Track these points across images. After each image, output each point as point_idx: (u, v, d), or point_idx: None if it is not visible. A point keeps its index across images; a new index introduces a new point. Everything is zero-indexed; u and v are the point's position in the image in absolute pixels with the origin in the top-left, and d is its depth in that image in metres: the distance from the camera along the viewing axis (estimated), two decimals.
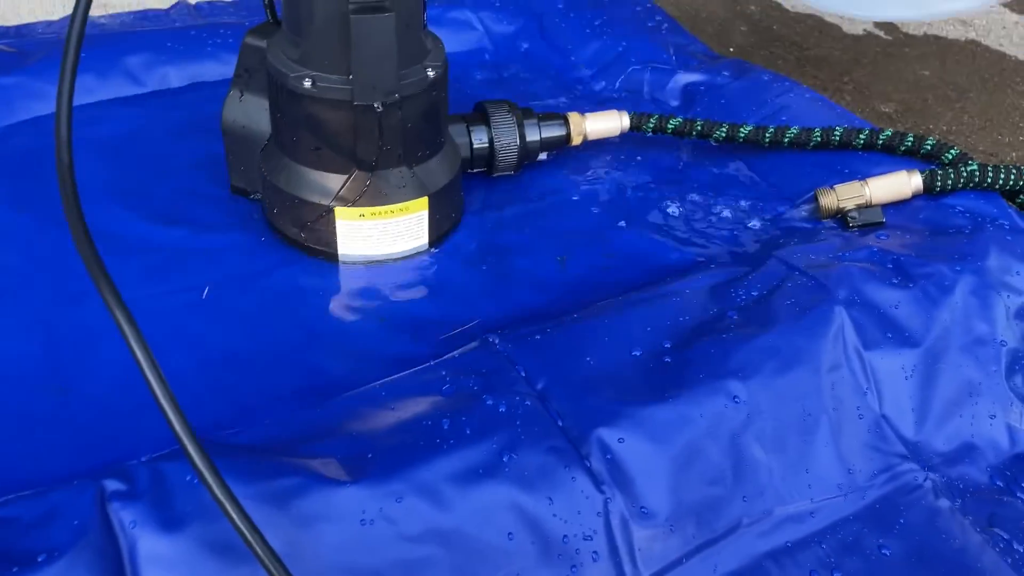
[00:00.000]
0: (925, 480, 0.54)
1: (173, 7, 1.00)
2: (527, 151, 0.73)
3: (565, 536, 0.44)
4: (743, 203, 0.73)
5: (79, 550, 0.38)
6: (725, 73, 0.88)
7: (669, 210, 0.73)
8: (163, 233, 0.65)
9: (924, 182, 0.69)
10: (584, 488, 0.46)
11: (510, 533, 0.44)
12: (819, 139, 0.75)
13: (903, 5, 0.98)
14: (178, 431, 0.37)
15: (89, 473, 0.43)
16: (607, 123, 0.76)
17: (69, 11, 1.04)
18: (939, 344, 0.59)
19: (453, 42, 0.86)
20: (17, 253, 0.62)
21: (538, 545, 0.44)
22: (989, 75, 1.12)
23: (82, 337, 0.55)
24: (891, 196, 0.69)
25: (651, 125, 0.77)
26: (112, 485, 0.41)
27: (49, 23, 0.96)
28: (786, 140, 0.75)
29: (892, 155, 0.74)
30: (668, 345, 0.54)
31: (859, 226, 0.68)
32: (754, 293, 0.59)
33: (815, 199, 0.71)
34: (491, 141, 0.71)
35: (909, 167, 0.70)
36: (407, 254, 0.64)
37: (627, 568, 0.45)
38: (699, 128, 0.77)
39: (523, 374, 0.51)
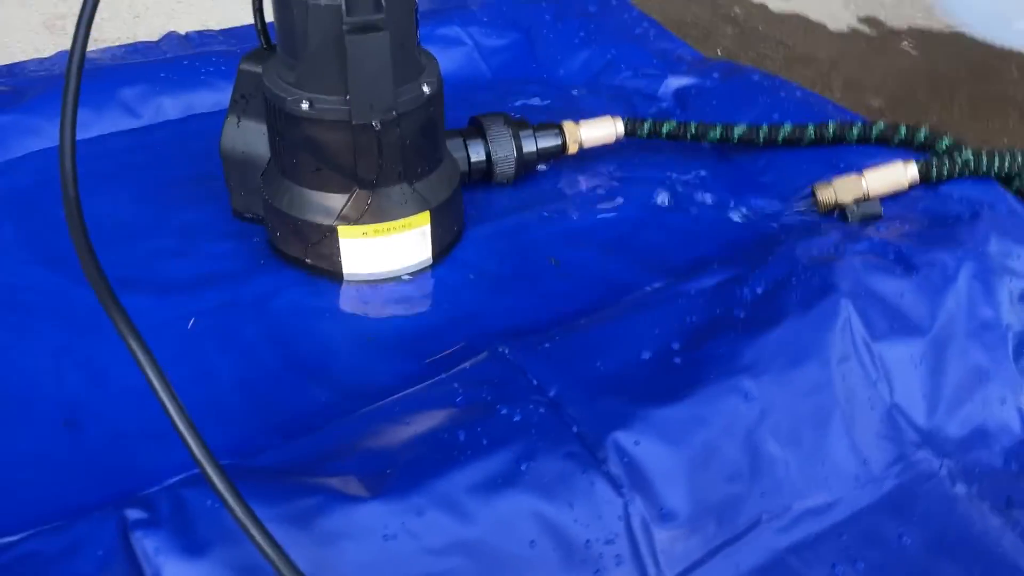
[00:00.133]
0: (940, 467, 0.54)
1: (163, 38, 1.01)
2: (524, 162, 0.73)
3: (587, 541, 0.44)
4: (741, 202, 0.74)
5: None
6: (715, 75, 0.89)
7: (667, 213, 0.73)
8: (166, 262, 0.65)
9: (920, 171, 0.69)
10: (603, 492, 0.46)
11: (532, 541, 0.44)
12: (813, 135, 0.75)
13: None
14: (198, 456, 0.37)
15: (104, 505, 0.43)
16: (602, 130, 0.77)
17: (60, 48, 1.05)
18: (945, 331, 0.59)
19: (444, 58, 0.86)
20: (25, 289, 0.62)
21: (561, 551, 0.44)
22: (975, 65, 1.13)
23: (88, 369, 0.55)
24: (888, 187, 0.70)
25: (645, 130, 0.78)
26: (134, 514, 0.41)
27: (41, 61, 0.96)
28: (780, 138, 0.76)
29: (887, 147, 0.75)
30: (677, 346, 0.55)
31: (858, 219, 0.69)
32: (759, 290, 0.59)
33: (812, 194, 0.71)
34: (488, 155, 0.71)
35: (904, 158, 0.71)
36: (411, 270, 0.64)
37: (651, 570, 0.45)
38: (693, 130, 0.77)
39: (535, 382, 0.51)
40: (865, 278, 0.60)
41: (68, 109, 0.44)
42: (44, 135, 0.76)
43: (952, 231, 0.65)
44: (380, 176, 0.59)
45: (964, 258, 0.62)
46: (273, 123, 0.61)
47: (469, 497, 0.43)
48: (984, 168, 0.69)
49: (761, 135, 0.76)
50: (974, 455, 0.56)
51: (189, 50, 0.96)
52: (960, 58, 1.13)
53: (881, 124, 0.75)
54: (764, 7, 1.25)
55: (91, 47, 1.14)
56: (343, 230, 0.60)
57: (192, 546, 0.40)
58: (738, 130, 0.77)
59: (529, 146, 0.73)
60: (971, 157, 0.69)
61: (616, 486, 0.46)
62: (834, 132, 0.75)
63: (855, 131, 0.74)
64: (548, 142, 0.74)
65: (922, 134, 0.73)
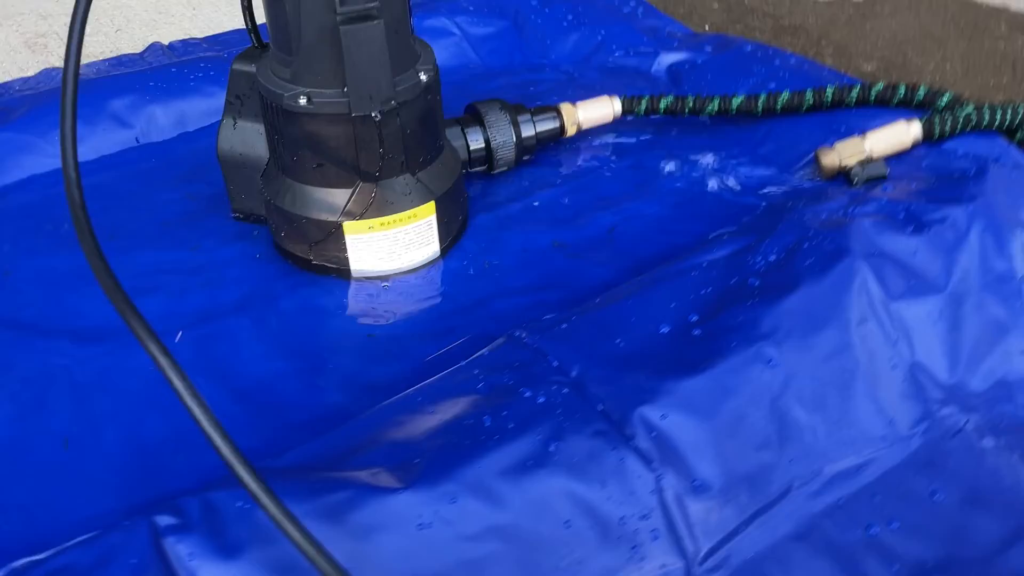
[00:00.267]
0: (966, 422, 0.54)
1: (146, 50, 1.00)
2: (524, 147, 0.73)
3: (622, 518, 0.44)
4: (744, 172, 0.73)
5: None
6: (707, 49, 0.89)
7: (672, 187, 0.72)
8: (171, 268, 0.64)
9: (923, 129, 0.69)
10: (634, 468, 0.45)
11: (567, 521, 0.43)
12: (812, 101, 0.75)
13: None
14: (228, 457, 0.37)
15: (130, 513, 0.42)
16: (600, 110, 0.76)
17: (44, 66, 1.04)
18: (961, 287, 0.59)
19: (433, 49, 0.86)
20: (28, 306, 0.61)
21: (596, 530, 0.43)
22: (964, 23, 1.12)
23: (90, 381, 0.55)
24: (892, 147, 0.69)
25: (643, 107, 0.77)
26: (164, 520, 0.40)
27: (25, 80, 0.95)
28: (779, 106, 0.76)
29: (886, 107, 0.74)
30: (695, 318, 0.54)
31: (863, 181, 0.68)
32: (772, 258, 0.59)
33: (816, 160, 0.71)
34: (487, 141, 0.71)
35: (906, 117, 0.70)
36: (420, 265, 0.63)
37: (687, 543, 0.45)
38: (691, 105, 0.77)
39: (555, 364, 0.51)
40: (877, 239, 0.59)
41: (67, 116, 0.43)
42: (38, 151, 0.75)
43: (960, 187, 0.65)
44: (383, 168, 0.59)
45: (974, 213, 0.62)
46: (271, 121, 0.60)
47: (501, 481, 0.43)
48: (986, 122, 0.69)
49: (759, 104, 0.76)
50: (999, 408, 0.56)
51: (173, 59, 0.95)
52: (949, 18, 1.13)
53: (879, 85, 0.74)
54: None
55: None
56: (348, 226, 0.60)
57: (226, 548, 0.39)
58: (736, 101, 0.76)
59: (528, 130, 0.73)
60: (973, 112, 0.69)
61: (646, 461, 0.46)
62: (832, 96, 0.74)
63: (854, 94, 0.74)
64: (546, 125, 0.74)
65: (921, 92, 0.73)
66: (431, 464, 0.43)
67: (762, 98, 0.76)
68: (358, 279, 0.62)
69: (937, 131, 0.69)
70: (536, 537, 0.42)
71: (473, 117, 0.71)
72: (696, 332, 0.53)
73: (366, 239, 0.60)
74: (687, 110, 0.77)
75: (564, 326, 0.54)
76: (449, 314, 0.60)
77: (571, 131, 0.75)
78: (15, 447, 0.50)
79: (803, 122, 0.76)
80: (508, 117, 0.71)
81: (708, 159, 0.75)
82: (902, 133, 0.69)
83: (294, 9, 0.54)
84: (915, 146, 0.70)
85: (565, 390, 0.48)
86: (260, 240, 0.67)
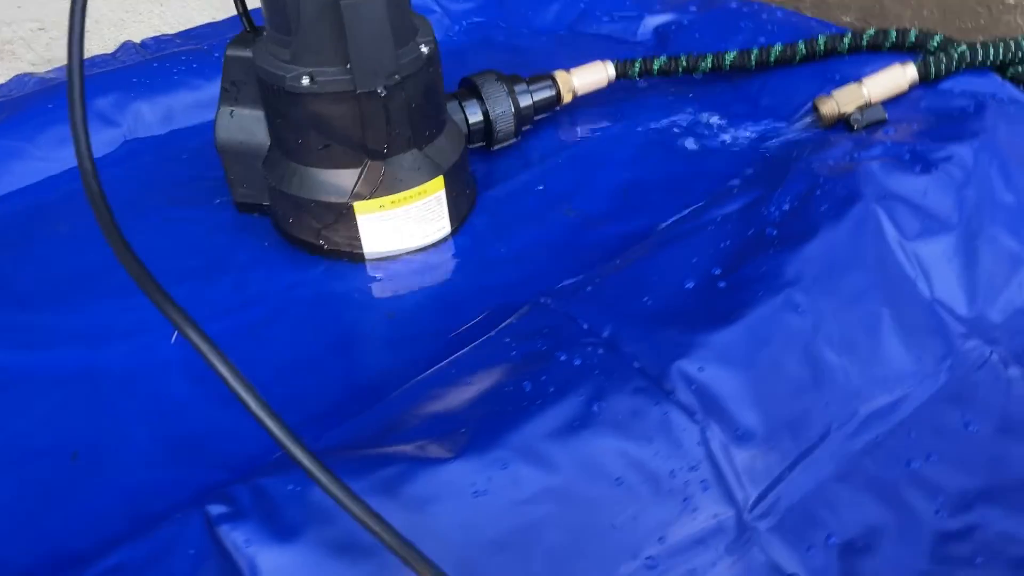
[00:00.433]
0: (991, 353, 0.55)
1: (119, 49, 0.98)
2: (522, 117, 0.72)
3: (672, 471, 0.44)
4: (744, 127, 0.73)
5: None
6: (692, 9, 0.88)
7: (674, 147, 0.72)
8: (177, 263, 0.63)
9: (919, 71, 0.69)
10: (679, 421, 0.45)
11: (618, 479, 0.43)
12: (804, 51, 0.75)
13: None
14: (281, 437, 0.36)
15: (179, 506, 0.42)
16: (594, 75, 0.76)
17: (14, 72, 1.01)
18: (973, 222, 0.59)
19: None
20: (43, 308, 0.60)
21: (648, 485, 0.43)
22: None
23: (102, 383, 0.54)
24: (889, 91, 0.70)
25: (636, 69, 0.77)
26: (216, 509, 0.39)
27: None
28: (772, 59, 0.76)
29: (878, 53, 0.75)
30: (718, 272, 0.54)
31: (864, 127, 0.69)
32: (785, 207, 0.59)
33: (815, 109, 0.71)
34: (486, 114, 0.70)
35: (900, 60, 0.71)
36: (432, 242, 0.63)
37: (737, 492, 0.45)
38: (684, 64, 0.77)
39: (585, 326, 0.50)
40: (886, 181, 0.60)
41: (76, 107, 0.42)
42: (26, 156, 0.73)
43: (961, 124, 0.65)
44: (390, 145, 0.58)
45: (979, 149, 0.62)
46: (272, 105, 0.59)
47: (549, 444, 0.43)
48: (980, 59, 0.69)
49: (753, 58, 0.76)
50: (1020, 339, 0.56)
51: (148, 57, 0.94)
52: None
53: (871, 30, 0.74)
54: None
55: (47, 67, 1.11)
56: (359, 206, 0.59)
57: (282, 532, 0.39)
58: (729, 57, 0.76)
59: (525, 100, 0.72)
60: (966, 50, 0.69)
61: (689, 413, 0.46)
62: (825, 45, 0.74)
63: (846, 41, 0.74)
64: (543, 94, 0.73)
65: (912, 35, 0.73)
66: (478, 432, 0.43)
67: (755, 52, 0.76)
68: (371, 260, 0.62)
69: (933, 71, 0.69)
70: (589, 497, 0.42)
71: (469, 91, 0.71)
72: (721, 284, 0.53)
73: (377, 218, 0.60)
74: (681, 69, 0.77)
75: (589, 289, 0.53)
76: (468, 288, 0.59)
77: (567, 98, 0.75)
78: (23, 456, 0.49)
79: (797, 73, 0.76)
80: (505, 88, 0.71)
81: (706, 116, 0.75)
82: (899, 76, 0.69)
83: None
84: (912, 88, 0.70)
85: (600, 351, 0.48)
86: (265, 229, 0.66)
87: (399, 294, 0.59)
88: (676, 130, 0.74)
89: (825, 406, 0.49)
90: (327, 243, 0.61)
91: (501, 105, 0.70)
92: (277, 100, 0.58)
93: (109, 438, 0.49)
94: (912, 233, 0.57)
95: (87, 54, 1.09)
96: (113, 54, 0.98)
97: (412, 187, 0.60)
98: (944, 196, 0.60)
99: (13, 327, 0.59)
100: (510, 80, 0.72)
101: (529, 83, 0.73)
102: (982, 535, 0.46)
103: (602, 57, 0.80)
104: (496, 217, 0.66)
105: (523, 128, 0.73)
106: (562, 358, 0.48)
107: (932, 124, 0.67)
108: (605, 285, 0.54)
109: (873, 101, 0.69)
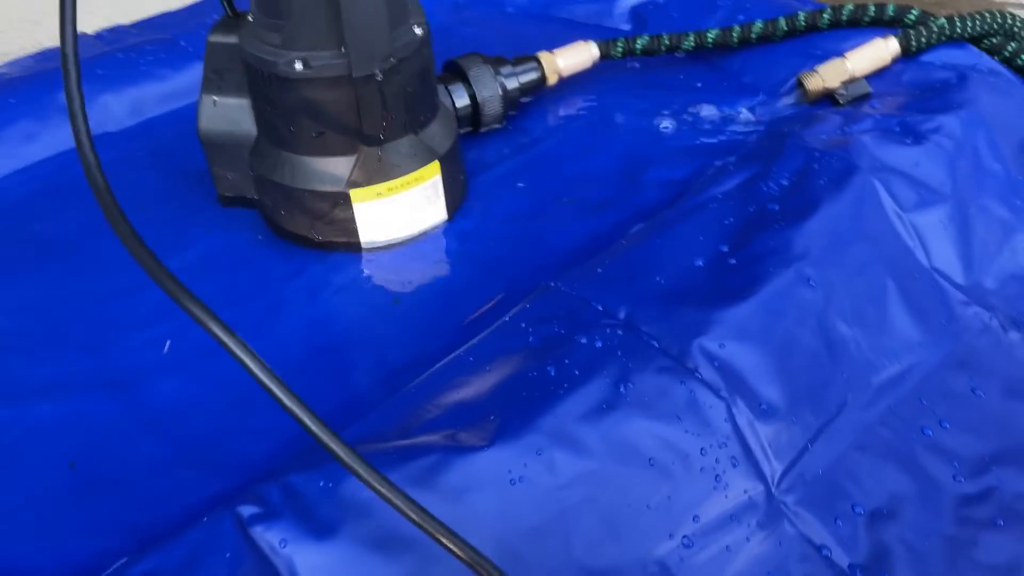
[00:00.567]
0: (991, 319, 0.56)
1: None
2: (509, 100, 0.71)
3: (702, 449, 0.44)
4: (730, 105, 0.73)
5: None
6: None
7: (661, 127, 0.72)
8: (167, 262, 0.60)
9: (901, 44, 0.70)
10: (705, 399, 0.45)
11: (650, 459, 0.43)
12: (785, 27, 0.75)
13: None
14: (318, 432, 0.35)
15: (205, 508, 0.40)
16: (578, 56, 0.75)
17: None
18: (964, 191, 0.60)
19: None
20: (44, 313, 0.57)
21: (679, 464, 0.43)
22: None
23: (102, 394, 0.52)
24: (873, 65, 0.70)
25: (619, 49, 0.76)
26: (247, 510, 0.38)
27: None
28: (754, 36, 0.76)
29: (857, 28, 0.75)
30: (726, 248, 0.54)
31: (849, 101, 0.69)
32: (784, 182, 0.59)
33: (799, 85, 0.72)
34: (472, 97, 0.69)
35: (881, 35, 0.72)
36: (428, 228, 0.61)
37: (765, 466, 0.45)
38: (667, 42, 0.76)
39: (600, 308, 0.50)
40: (880, 154, 0.60)
41: (74, 97, 0.40)
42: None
43: (946, 96, 0.66)
44: (386, 130, 0.56)
45: (966, 119, 0.63)
46: (262, 92, 0.57)
47: (581, 428, 0.42)
48: (959, 31, 0.70)
49: (735, 36, 0.76)
50: (1017, 304, 0.57)
51: (105, 48, 0.90)
52: None
53: (850, 6, 0.75)
54: None
55: None
56: (356, 194, 0.57)
57: (318, 530, 0.37)
58: (711, 35, 0.76)
59: (512, 83, 0.71)
60: (945, 23, 0.70)
61: (715, 390, 0.45)
62: (805, 21, 0.75)
63: (826, 17, 0.75)
64: (529, 76, 0.72)
65: (890, 9, 0.74)
66: (508, 419, 0.42)
67: (736, 29, 0.76)
68: (368, 249, 0.60)
69: (914, 45, 0.70)
70: (623, 479, 0.42)
71: (455, 74, 0.69)
72: (731, 261, 0.53)
73: (375, 206, 0.58)
74: (664, 48, 0.76)
75: (599, 271, 0.53)
76: (471, 274, 0.58)
77: (552, 80, 0.74)
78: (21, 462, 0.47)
79: (778, 50, 0.76)
80: (491, 70, 0.69)
81: (691, 95, 0.75)
82: (881, 50, 0.70)
83: None
84: (894, 62, 0.71)
85: (619, 332, 0.48)
86: (254, 223, 0.64)
87: (402, 283, 0.58)
88: (663, 110, 0.74)
89: (841, 377, 0.50)
90: (322, 234, 0.60)
91: (488, 88, 0.69)
92: (268, 87, 0.56)
93: (108, 444, 0.47)
94: (908, 204, 0.58)
95: (36, 47, 1.05)
96: None
97: (409, 173, 0.58)
98: (936, 167, 0.61)
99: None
100: (495, 62, 0.70)
101: (515, 65, 0.72)
102: (1000, 497, 0.47)
103: (581, 39, 0.80)
104: (490, 202, 0.65)
105: (510, 112, 0.72)
106: (583, 341, 0.47)
107: (917, 96, 0.68)
108: (614, 267, 0.53)
109: (857, 76, 0.70)
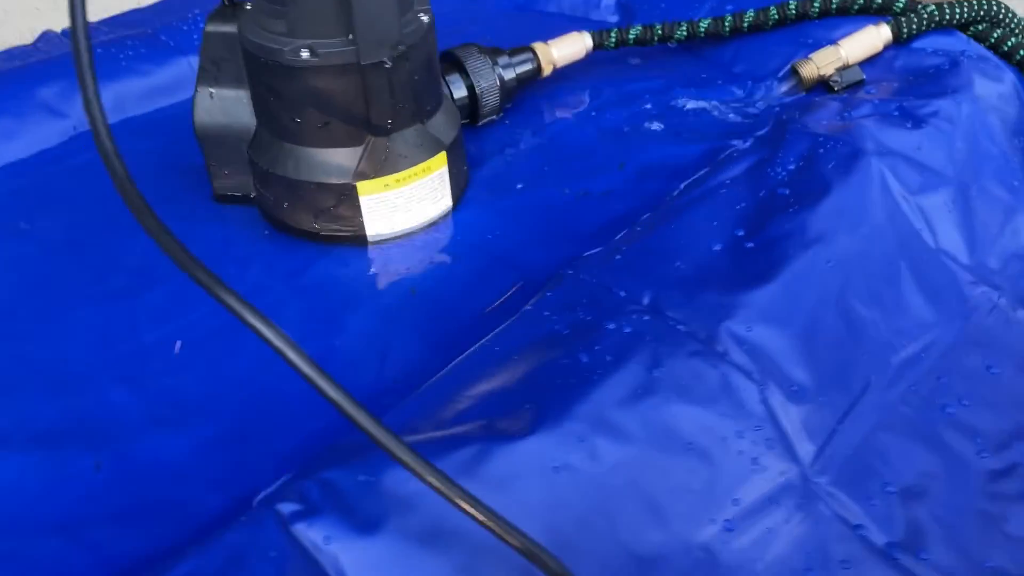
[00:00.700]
0: (999, 298, 0.56)
1: (39, 39, 0.91)
2: (506, 91, 0.70)
3: (738, 432, 0.43)
4: (725, 93, 0.74)
5: None
6: None
7: (657, 116, 0.72)
8: (163, 260, 0.58)
9: (892, 31, 0.71)
10: (737, 382, 0.45)
11: (689, 443, 0.42)
12: (776, 16, 0.76)
13: None
14: (369, 427, 0.33)
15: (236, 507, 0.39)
16: (572, 46, 0.74)
17: None
18: (965, 173, 0.61)
19: None
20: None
21: (718, 447, 0.43)
22: None
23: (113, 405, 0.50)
24: (866, 52, 0.71)
25: (612, 40, 0.76)
26: (288, 507, 0.37)
27: None
28: (746, 25, 0.76)
29: (846, 17, 0.76)
30: (742, 233, 0.54)
31: (843, 88, 0.70)
32: (791, 167, 0.60)
33: (794, 73, 0.72)
34: (470, 88, 0.68)
35: (873, 22, 0.72)
36: (434, 220, 0.60)
37: (799, 448, 0.45)
38: (659, 32, 0.76)
39: (623, 294, 0.49)
40: (883, 138, 0.61)
41: (89, 84, 0.38)
42: None
43: (940, 81, 0.67)
44: (394, 120, 0.55)
45: (961, 102, 0.64)
46: (264, 82, 0.55)
47: (620, 413, 0.42)
48: (947, 18, 0.72)
49: (727, 25, 0.76)
50: (1021, 283, 0.58)
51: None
52: None
53: None
54: None
55: None
56: (362, 186, 0.56)
57: (362, 525, 0.36)
58: (703, 24, 0.76)
59: (509, 74, 0.70)
60: (935, 9, 0.71)
61: (747, 373, 0.45)
62: (796, 9, 0.75)
63: (816, 5, 0.75)
64: (525, 67, 0.72)
65: None
66: (546, 407, 0.41)
67: (728, 19, 0.76)
68: (374, 242, 0.59)
69: (905, 31, 0.71)
70: (664, 464, 0.41)
71: (452, 65, 0.68)
72: (749, 245, 0.53)
73: (381, 199, 0.57)
74: (656, 37, 0.76)
75: (618, 258, 0.52)
76: (484, 264, 0.57)
77: (547, 70, 0.73)
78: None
79: (768, 39, 0.77)
80: (489, 61, 0.69)
81: (687, 86, 0.75)
82: (874, 37, 0.71)
83: None
84: (886, 48, 0.72)
85: (646, 317, 0.47)
86: (252, 218, 0.62)
87: (413, 274, 0.56)
88: (658, 100, 0.73)
89: (863, 358, 0.50)
90: (326, 228, 0.58)
91: (487, 79, 0.68)
92: (271, 76, 0.54)
93: (130, 445, 0.45)
94: (914, 187, 0.59)
95: (2, 44, 1.01)
96: (34, 44, 0.90)
97: (416, 164, 0.57)
98: (937, 150, 0.61)
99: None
100: (492, 53, 0.70)
101: (511, 55, 0.71)
102: None
103: (567, 32, 0.79)
104: (493, 193, 0.64)
105: (507, 104, 0.71)
106: (611, 327, 0.46)
107: (911, 82, 0.68)
108: (632, 253, 0.53)
109: (850, 63, 0.71)
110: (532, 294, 0.51)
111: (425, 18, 0.56)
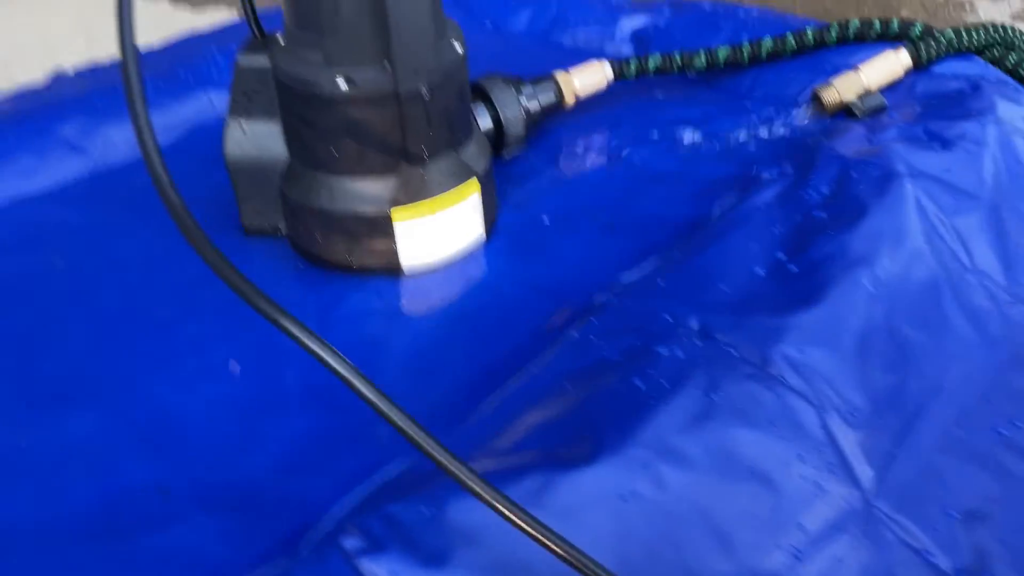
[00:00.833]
0: None
1: (52, 81, 0.90)
2: (532, 122, 0.70)
3: (800, 456, 0.43)
4: (748, 121, 0.74)
5: None
6: (664, 12, 0.89)
7: (683, 145, 0.72)
8: (200, 296, 0.57)
9: (912, 57, 0.72)
10: (795, 405, 0.44)
11: (751, 468, 0.41)
12: (795, 44, 0.76)
13: None
14: (443, 460, 0.32)
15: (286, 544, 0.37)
16: (594, 76, 0.75)
17: None
18: (996, 195, 0.61)
19: None
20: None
21: (780, 471, 0.42)
22: None
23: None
24: (886, 77, 0.72)
25: (632, 69, 0.76)
26: (351, 543, 0.35)
27: None
28: (764, 54, 0.77)
29: (862, 43, 0.77)
30: (783, 256, 0.54)
31: (866, 113, 0.70)
32: (824, 190, 0.59)
33: (815, 99, 0.72)
34: (495, 119, 0.68)
35: (891, 47, 0.73)
36: (467, 250, 0.60)
37: (859, 472, 0.44)
38: (679, 61, 0.77)
39: (670, 319, 0.49)
40: (912, 160, 0.61)
41: (140, 112, 0.37)
42: None
43: (963, 104, 0.67)
44: (430, 148, 0.55)
45: (986, 124, 0.65)
46: (299, 113, 0.55)
47: (681, 439, 0.41)
48: (965, 43, 0.72)
49: (745, 53, 0.77)
50: None
51: (85, 87, 0.87)
52: None
53: (856, 21, 0.76)
54: None
55: None
56: (397, 212, 0.56)
57: (429, 560, 0.35)
58: (722, 53, 0.77)
59: (533, 104, 0.70)
60: (953, 35, 0.72)
61: (804, 396, 0.44)
62: (814, 37, 0.76)
63: (833, 33, 0.76)
64: (548, 97, 0.72)
65: (895, 24, 0.75)
66: (607, 434, 0.40)
67: (746, 47, 0.77)
68: (409, 273, 0.58)
69: (925, 56, 0.72)
70: (728, 489, 0.40)
71: (477, 95, 0.68)
72: (792, 268, 0.52)
73: (416, 227, 0.56)
74: (676, 67, 0.77)
75: (661, 283, 0.52)
76: (520, 294, 0.57)
77: (570, 101, 0.73)
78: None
79: (786, 66, 0.77)
80: (514, 91, 0.69)
81: (708, 113, 0.75)
82: (894, 62, 0.72)
83: None
84: (906, 74, 0.72)
85: (697, 342, 0.47)
86: (283, 251, 0.61)
87: (450, 305, 0.56)
88: (682, 129, 0.73)
89: (914, 380, 0.49)
90: (360, 259, 0.57)
91: (512, 109, 0.68)
92: (307, 107, 0.54)
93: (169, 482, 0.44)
94: (948, 208, 0.58)
95: (12, 83, 1.01)
96: (47, 87, 0.90)
97: (450, 191, 0.57)
98: (967, 171, 0.61)
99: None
100: (516, 83, 0.70)
101: (534, 85, 0.71)
102: None
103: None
104: (523, 223, 0.64)
105: (531, 135, 0.71)
106: (663, 352, 0.46)
107: (934, 106, 0.69)
108: (675, 278, 0.53)
109: (872, 88, 0.71)
110: (573, 322, 0.50)
111: (459, 49, 0.56)
